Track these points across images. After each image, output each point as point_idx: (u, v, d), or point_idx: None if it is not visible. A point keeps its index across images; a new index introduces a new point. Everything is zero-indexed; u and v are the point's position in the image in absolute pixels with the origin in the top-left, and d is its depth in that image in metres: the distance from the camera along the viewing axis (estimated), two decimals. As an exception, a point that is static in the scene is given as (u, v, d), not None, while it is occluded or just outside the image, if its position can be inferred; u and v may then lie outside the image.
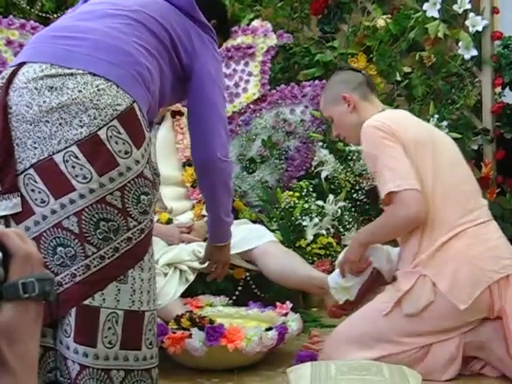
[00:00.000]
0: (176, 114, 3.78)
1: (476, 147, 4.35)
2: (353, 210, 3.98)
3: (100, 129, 1.96)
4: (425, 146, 2.85)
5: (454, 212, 2.80)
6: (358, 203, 4.02)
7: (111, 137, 1.97)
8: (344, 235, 3.89)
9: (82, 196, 1.96)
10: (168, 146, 3.71)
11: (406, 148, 2.79)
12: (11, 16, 4.13)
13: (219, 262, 2.83)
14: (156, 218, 3.43)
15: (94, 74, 2.01)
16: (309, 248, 3.70)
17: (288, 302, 3.22)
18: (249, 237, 3.42)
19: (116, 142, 1.98)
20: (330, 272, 3.66)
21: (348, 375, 2.47)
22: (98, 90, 1.98)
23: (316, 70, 4.47)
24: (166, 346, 2.85)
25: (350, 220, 3.91)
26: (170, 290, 3.17)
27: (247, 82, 4.30)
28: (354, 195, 4.02)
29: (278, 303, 3.23)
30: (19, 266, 0.90)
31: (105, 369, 2.00)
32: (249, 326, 3.03)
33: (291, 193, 3.89)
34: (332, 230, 3.81)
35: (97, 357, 1.99)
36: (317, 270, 3.40)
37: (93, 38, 2.08)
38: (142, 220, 2.03)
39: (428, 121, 3.97)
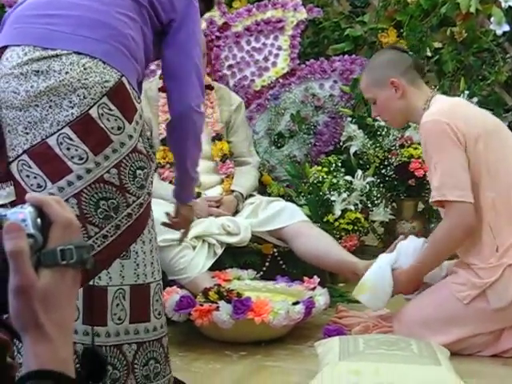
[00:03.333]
0: (205, 88, 3.75)
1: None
2: (381, 185, 3.97)
3: (91, 108, 1.95)
4: (492, 135, 2.80)
5: None
6: (387, 179, 4.01)
7: (102, 114, 1.96)
8: (372, 211, 3.89)
9: (79, 177, 1.96)
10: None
11: (469, 144, 2.74)
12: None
13: (187, 221, 2.70)
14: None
15: (79, 53, 1.98)
16: (336, 223, 3.70)
17: (315, 277, 3.22)
18: (280, 214, 3.42)
19: (108, 119, 1.97)
20: (356, 248, 3.67)
21: (376, 350, 2.48)
22: (85, 68, 1.96)
23: (345, 45, 4.45)
24: (193, 319, 2.87)
25: (378, 195, 3.89)
26: (198, 263, 3.19)
27: (276, 56, 4.28)
28: (383, 171, 4.00)
29: (305, 278, 3.24)
30: (59, 233, 0.90)
31: (116, 345, 2.02)
32: (276, 300, 3.04)
33: (319, 168, 3.88)
34: (360, 206, 3.79)
35: (108, 334, 2.01)
36: (349, 253, 3.35)
37: (74, 14, 2.04)
38: (140, 195, 2.03)
39: (458, 97, 3.93)
